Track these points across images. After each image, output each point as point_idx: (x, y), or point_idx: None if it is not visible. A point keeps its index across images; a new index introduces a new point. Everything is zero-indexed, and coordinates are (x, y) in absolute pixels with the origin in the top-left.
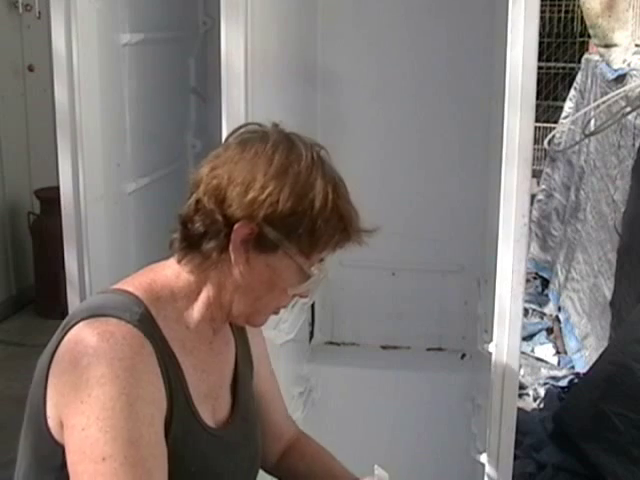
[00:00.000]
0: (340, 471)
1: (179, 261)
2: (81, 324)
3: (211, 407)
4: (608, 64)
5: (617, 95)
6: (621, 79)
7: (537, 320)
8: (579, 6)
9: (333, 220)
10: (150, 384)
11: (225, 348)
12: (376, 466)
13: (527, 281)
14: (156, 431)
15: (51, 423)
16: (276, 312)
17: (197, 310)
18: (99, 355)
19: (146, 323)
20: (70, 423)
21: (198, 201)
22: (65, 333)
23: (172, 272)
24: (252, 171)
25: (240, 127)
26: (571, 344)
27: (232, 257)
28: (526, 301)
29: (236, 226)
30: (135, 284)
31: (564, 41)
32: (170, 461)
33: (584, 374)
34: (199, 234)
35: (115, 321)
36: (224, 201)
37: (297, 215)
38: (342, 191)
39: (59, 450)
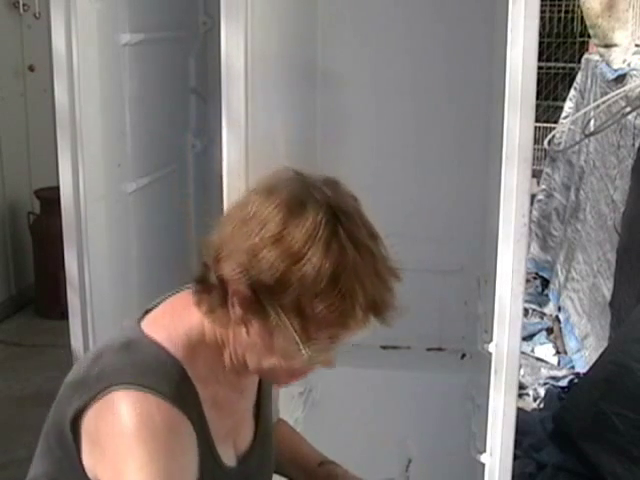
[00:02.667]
0: (307, 451)
1: (197, 306)
2: (121, 394)
3: (232, 443)
4: (608, 64)
5: (617, 95)
6: (621, 79)
7: (537, 320)
8: (579, 6)
9: (329, 298)
10: (186, 466)
11: (251, 377)
12: (409, 442)
13: (527, 281)
14: None
15: (90, 474)
16: (296, 378)
17: (225, 362)
18: (139, 439)
19: (185, 393)
20: None
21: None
22: (102, 390)
23: (202, 319)
24: (249, 235)
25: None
26: (571, 344)
27: (231, 316)
28: (526, 301)
29: (230, 286)
30: (172, 337)
31: (564, 41)
32: None
33: (584, 374)
34: (203, 280)
35: (155, 400)
36: (219, 261)
37: (285, 285)
38: (350, 261)
39: None
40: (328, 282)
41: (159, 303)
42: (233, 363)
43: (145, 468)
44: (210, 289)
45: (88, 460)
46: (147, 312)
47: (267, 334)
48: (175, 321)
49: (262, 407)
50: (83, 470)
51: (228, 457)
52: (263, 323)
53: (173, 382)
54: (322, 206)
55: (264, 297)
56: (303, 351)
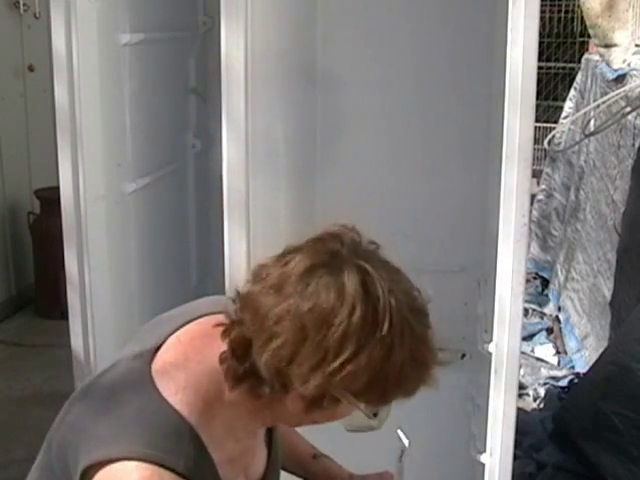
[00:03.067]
0: (301, 445)
1: (230, 388)
2: (129, 466)
3: (247, 472)
4: (608, 64)
5: (617, 95)
6: (621, 79)
7: (537, 320)
8: (579, 6)
9: (409, 373)
10: None
11: None
12: (399, 431)
13: (527, 281)
14: None
15: None
16: None
17: (248, 423)
18: None
19: (199, 463)
20: None
21: (250, 343)
22: (107, 455)
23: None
24: (321, 348)
25: (305, 244)
26: (571, 344)
27: (288, 406)
28: (526, 301)
29: (296, 391)
30: (186, 394)
31: (564, 41)
32: None
33: (584, 374)
34: (251, 372)
35: (169, 476)
36: (284, 375)
37: (371, 385)
38: (419, 334)
39: None
40: (409, 364)
41: (171, 332)
42: (262, 423)
43: None
44: (259, 381)
45: None
46: (158, 348)
47: (331, 413)
48: (190, 372)
49: (274, 431)
50: None
51: None
52: (329, 408)
53: (189, 456)
54: (386, 296)
55: (341, 394)
56: (371, 419)
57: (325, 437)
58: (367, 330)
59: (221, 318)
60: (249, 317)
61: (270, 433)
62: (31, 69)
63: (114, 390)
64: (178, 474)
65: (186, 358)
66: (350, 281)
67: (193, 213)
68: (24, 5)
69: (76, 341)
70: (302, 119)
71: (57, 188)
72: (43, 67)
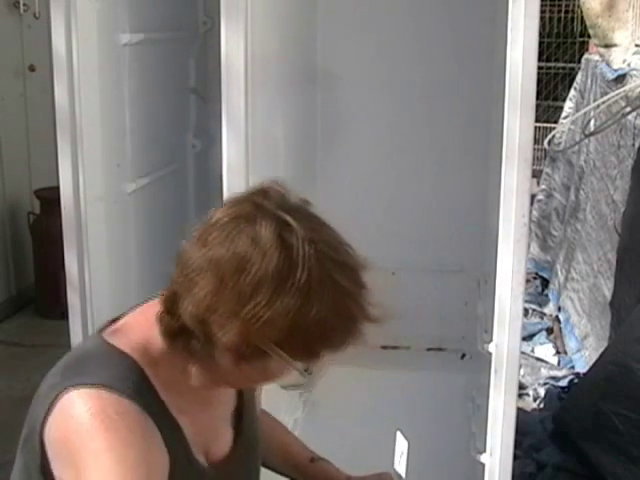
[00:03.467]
0: (298, 448)
1: (167, 346)
2: (73, 394)
3: (205, 450)
4: (608, 64)
5: (617, 95)
6: (621, 79)
7: (537, 320)
8: (579, 6)
9: (333, 326)
10: (146, 450)
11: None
12: (399, 433)
13: (527, 281)
14: None
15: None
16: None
17: (190, 379)
18: (92, 434)
19: (143, 392)
20: None
21: (179, 297)
22: (58, 394)
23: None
24: (238, 294)
25: (233, 198)
26: (571, 344)
27: (219, 361)
28: (526, 301)
29: (221, 344)
30: (132, 344)
31: (564, 41)
32: None
33: (584, 374)
34: (181, 330)
35: (107, 394)
36: (205, 323)
37: (291, 334)
38: (344, 289)
39: None
40: (332, 318)
41: (126, 313)
42: (203, 381)
43: (100, 459)
44: (189, 338)
45: (56, 474)
46: (112, 322)
47: (262, 368)
48: (136, 331)
49: (243, 413)
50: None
51: (205, 462)
52: (260, 364)
53: (129, 380)
54: (304, 246)
55: (266, 346)
56: (303, 377)
57: (323, 441)
58: (282, 277)
59: None
60: (178, 271)
61: (240, 418)
62: (31, 69)
63: (66, 361)
64: (117, 394)
65: (136, 320)
66: (266, 230)
67: (193, 213)
68: (24, 5)
69: (76, 341)
70: (302, 119)
71: (57, 188)
72: (43, 67)
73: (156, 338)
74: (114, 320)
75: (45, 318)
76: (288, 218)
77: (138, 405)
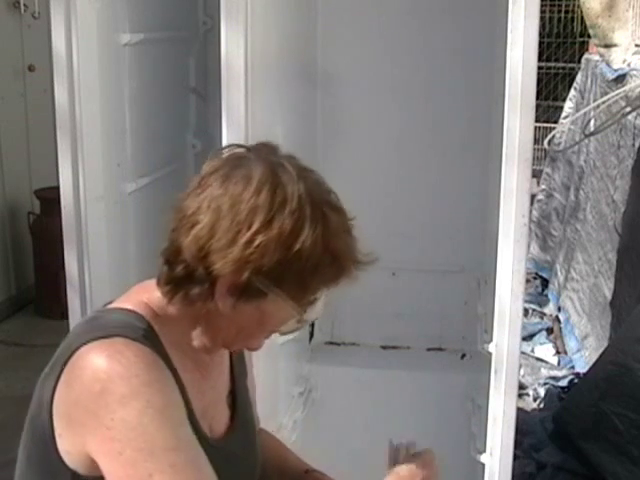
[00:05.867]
0: (293, 460)
1: (167, 302)
2: (85, 348)
3: (208, 425)
4: (608, 64)
5: (617, 95)
6: (621, 79)
7: (537, 320)
8: (579, 6)
9: (325, 262)
10: (172, 391)
11: (220, 360)
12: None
13: (527, 281)
14: (190, 431)
15: (68, 457)
16: (271, 334)
17: (192, 338)
18: (113, 377)
19: (152, 339)
20: (102, 451)
21: (179, 244)
22: (68, 358)
23: (163, 299)
24: (235, 224)
25: (224, 148)
26: (571, 344)
27: (218, 305)
28: (526, 301)
29: (221, 279)
30: (133, 302)
31: (564, 41)
32: None
33: (584, 374)
34: (182, 277)
35: (122, 340)
36: (207, 256)
37: (285, 265)
38: (334, 224)
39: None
40: (322, 251)
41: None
42: (202, 340)
43: (128, 404)
44: (189, 284)
45: (67, 443)
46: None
47: (260, 312)
48: (134, 296)
49: (238, 396)
50: (64, 465)
51: (206, 432)
52: (257, 304)
53: (140, 329)
54: (292, 177)
55: (262, 282)
56: (300, 316)
57: (323, 441)
58: (276, 205)
59: None
60: (176, 220)
61: (233, 398)
62: (31, 69)
63: (63, 348)
64: (132, 339)
65: (129, 294)
66: (260, 168)
67: None
68: (24, 5)
69: None
70: (302, 119)
71: (57, 188)
72: (43, 67)
73: (156, 299)
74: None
75: (45, 318)
76: (280, 160)
77: (150, 348)
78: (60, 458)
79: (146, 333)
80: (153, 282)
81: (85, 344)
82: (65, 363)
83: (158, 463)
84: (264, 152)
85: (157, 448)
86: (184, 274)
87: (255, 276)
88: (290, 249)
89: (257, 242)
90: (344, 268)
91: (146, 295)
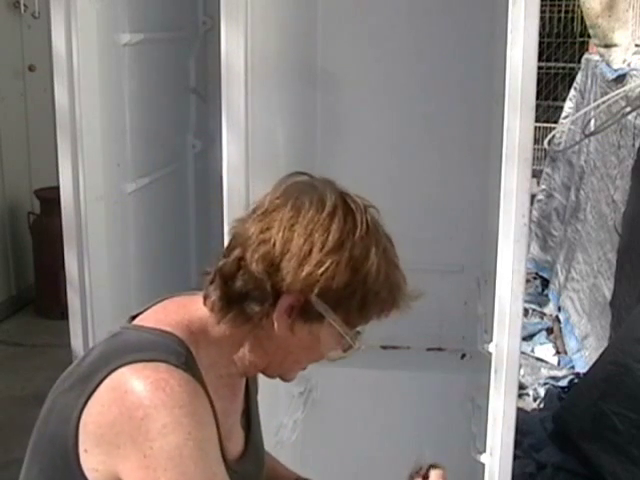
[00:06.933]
0: (282, 471)
1: (218, 320)
2: (126, 370)
3: (228, 447)
4: (608, 64)
5: (617, 95)
6: (621, 79)
7: (537, 320)
8: (579, 6)
9: (385, 291)
10: (211, 425)
11: (240, 383)
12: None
13: (527, 281)
14: (224, 468)
15: (93, 474)
16: (307, 366)
17: (231, 362)
18: (157, 405)
19: (192, 365)
20: (135, 477)
21: (242, 259)
22: (105, 376)
23: (208, 316)
24: (308, 242)
25: (290, 176)
26: (571, 344)
27: (275, 324)
28: (526, 301)
29: (285, 296)
30: (172, 323)
31: (564, 41)
32: None
33: (584, 374)
34: (240, 293)
35: (165, 367)
36: (277, 271)
37: (350, 288)
38: (392, 257)
39: None
40: (384, 279)
41: (146, 309)
42: (242, 362)
43: (170, 434)
44: (247, 301)
45: (95, 461)
46: (134, 318)
47: (311, 336)
48: (171, 315)
49: (251, 417)
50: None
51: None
52: (311, 328)
53: (182, 355)
54: (360, 208)
55: (323, 306)
56: (351, 343)
57: (323, 441)
58: (347, 229)
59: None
60: (238, 243)
61: (248, 419)
62: (31, 69)
63: (94, 364)
64: (174, 366)
65: (165, 308)
66: (331, 195)
67: (193, 213)
68: (24, 5)
69: (76, 341)
70: (302, 119)
71: (57, 188)
72: (43, 67)
73: (197, 320)
74: (134, 317)
75: (45, 318)
76: (346, 191)
77: (192, 376)
78: (82, 474)
79: (187, 360)
80: (192, 299)
81: (125, 365)
82: (101, 381)
83: None
84: (327, 182)
85: None
86: (242, 291)
87: (319, 297)
88: (358, 273)
89: (329, 262)
90: (397, 300)
91: (187, 316)
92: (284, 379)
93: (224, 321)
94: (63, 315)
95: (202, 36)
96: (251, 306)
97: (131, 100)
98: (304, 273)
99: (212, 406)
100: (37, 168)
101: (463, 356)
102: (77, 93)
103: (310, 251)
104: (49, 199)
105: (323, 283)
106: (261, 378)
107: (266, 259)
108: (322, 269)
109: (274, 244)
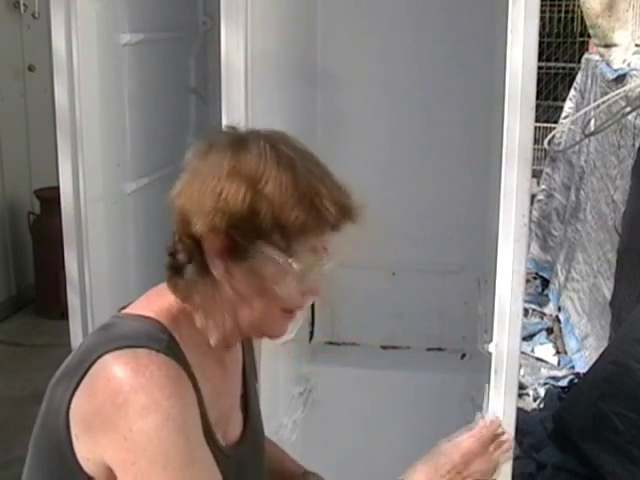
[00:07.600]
0: (290, 463)
1: (173, 293)
2: (108, 358)
3: (222, 431)
4: (608, 64)
5: (617, 95)
6: (621, 79)
7: (537, 320)
8: (579, 6)
9: (302, 203)
10: (193, 407)
11: (234, 364)
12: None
13: (527, 281)
14: (207, 451)
15: (85, 462)
16: (290, 317)
17: (210, 334)
18: (137, 389)
19: (174, 349)
20: (117, 461)
21: (174, 231)
22: (90, 365)
23: (179, 301)
24: (205, 181)
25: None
26: (571, 344)
27: (214, 273)
28: (526, 301)
29: (205, 242)
30: (154, 309)
31: (564, 41)
32: None
33: (584, 374)
34: (178, 262)
35: (146, 352)
36: (188, 221)
37: (258, 211)
38: (304, 171)
39: None
40: (292, 190)
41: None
42: (218, 331)
43: (148, 417)
44: (182, 264)
45: (86, 450)
46: (123, 309)
47: (254, 275)
48: (152, 302)
49: (249, 400)
50: (82, 471)
51: (220, 441)
52: (247, 266)
53: (163, 340)
54: (261, 138)
55: (241, 236)
56: (293, 265)
57: (323, 441)
58: (240, 157)
59: None
60: (178, 205)
61: (245, 401)
62: (31, 69)
63: (82, 355)
64: (155, 352)
65: (147, 297)
66: (228, 137)
67: None
68: (24, 5)
69: (76, 341)
70: (302, 119)
71: (57, 188)
72: (43, 67)
73: (175, 302)
74: (122, 308)
75: (45, 318)
76: (256, 132)
77: (174, 360)
78: (77, 462)
79: (169, 344)
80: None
81: (108, 353)
82: (87, 370)
83: (169, 479)
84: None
85: (171, 463)
86: (184, 258)
87: (233, 231)
88: (258, 193)
89: (225, 191)
90: (321, 211)
91: (166, 300)
92: (270, 336)
93: (178, 295)
94: (63, 315)
95: (202, 36)
96: (187, 268)
97: (131, 100)
98: (205, 209)
99: (198, 390)
100: (37, 168)
101: (463, 356)
102: (77, 93)
103: (207, 187)
104: (49, 199)
105: (227, 213)
106: (262, 374)
107: (179, 216)
108: (221, 199)
109: (182, 197)
